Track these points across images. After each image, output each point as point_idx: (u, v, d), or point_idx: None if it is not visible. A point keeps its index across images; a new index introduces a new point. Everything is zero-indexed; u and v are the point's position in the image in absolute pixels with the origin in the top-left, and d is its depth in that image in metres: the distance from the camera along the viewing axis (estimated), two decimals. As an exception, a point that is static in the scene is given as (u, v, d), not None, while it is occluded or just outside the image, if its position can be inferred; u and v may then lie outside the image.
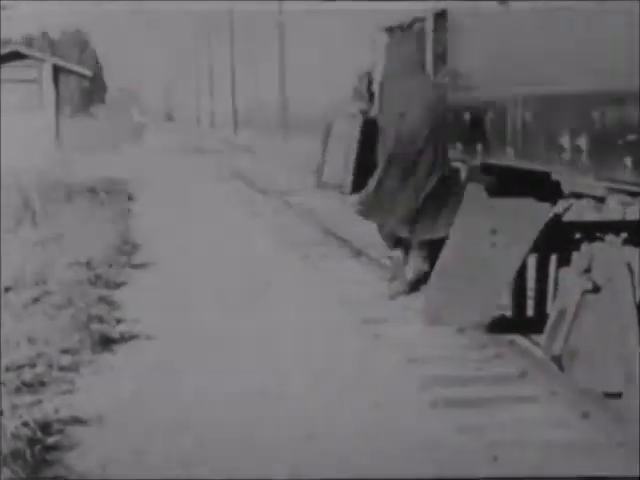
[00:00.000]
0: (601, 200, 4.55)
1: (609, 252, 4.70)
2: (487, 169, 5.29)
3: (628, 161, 3.95)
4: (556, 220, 5.92)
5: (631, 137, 3.92)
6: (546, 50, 4.63)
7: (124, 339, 7.44)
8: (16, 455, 4.88)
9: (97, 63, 53.25)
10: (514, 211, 5.56)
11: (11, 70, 28.55)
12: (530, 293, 6.53)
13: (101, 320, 7.78)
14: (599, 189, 4.31)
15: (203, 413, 5.74)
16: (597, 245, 4.81)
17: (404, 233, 6.22)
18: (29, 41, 45.42)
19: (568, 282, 4.85)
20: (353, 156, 6.19)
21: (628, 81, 3.95)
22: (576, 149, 4.29)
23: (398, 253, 6.80)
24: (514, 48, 4.99)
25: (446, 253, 5.65)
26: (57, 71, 30.06)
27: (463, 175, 5.58)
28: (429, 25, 6.43)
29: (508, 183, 5.42)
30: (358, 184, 6.55)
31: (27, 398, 5.87)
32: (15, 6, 28.20)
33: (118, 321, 7.99)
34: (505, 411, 5.72)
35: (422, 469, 4.81)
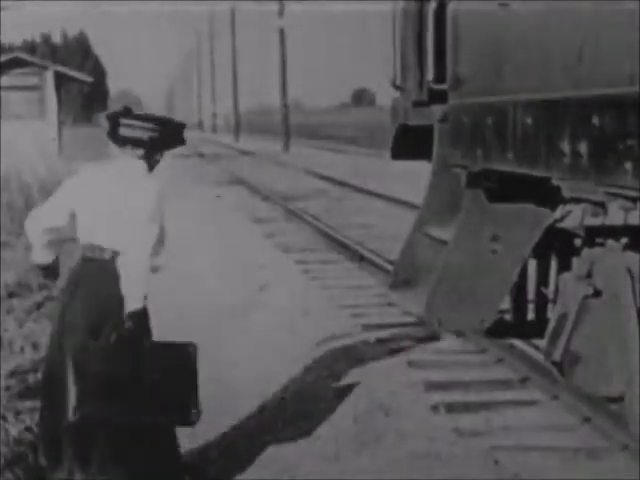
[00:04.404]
0: (601, 205, 4.55)
1: (610, 257, 4.71)
2: (487, 175, 5.30)
3: (628, 166, 3.95)
4: (556, 225, 5.94)
5: (631, 141, 3.92)
6: (546, 53, 4.64)
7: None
8: (19, 459, 4.89)
9: (99, 68, 53.26)
10: (514, 217, 5.58)
11: (13, 77, 28.57)
12: (531, 297, 6.54)
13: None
14: (599, 194, 4.31)
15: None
16: (598, 250, 4.82)
17: None
18: (31, 47, 45.46)
19: (569, 287, 4.85)
20: None
21: (628, 84, 3.95)
22: (576, 154, 4.30)
23: None
24: (515, 52, 5.00)
25: (447, 259, 5.67)
26: (59, 78, 30.08)
27: (463, 181, 5.58)
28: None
29: (508, 188, 5.43)
30: None
31: (30, 403, 5.88)
32: (16, 7, 28.20)
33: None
34: (506, 416, 5.73)
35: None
